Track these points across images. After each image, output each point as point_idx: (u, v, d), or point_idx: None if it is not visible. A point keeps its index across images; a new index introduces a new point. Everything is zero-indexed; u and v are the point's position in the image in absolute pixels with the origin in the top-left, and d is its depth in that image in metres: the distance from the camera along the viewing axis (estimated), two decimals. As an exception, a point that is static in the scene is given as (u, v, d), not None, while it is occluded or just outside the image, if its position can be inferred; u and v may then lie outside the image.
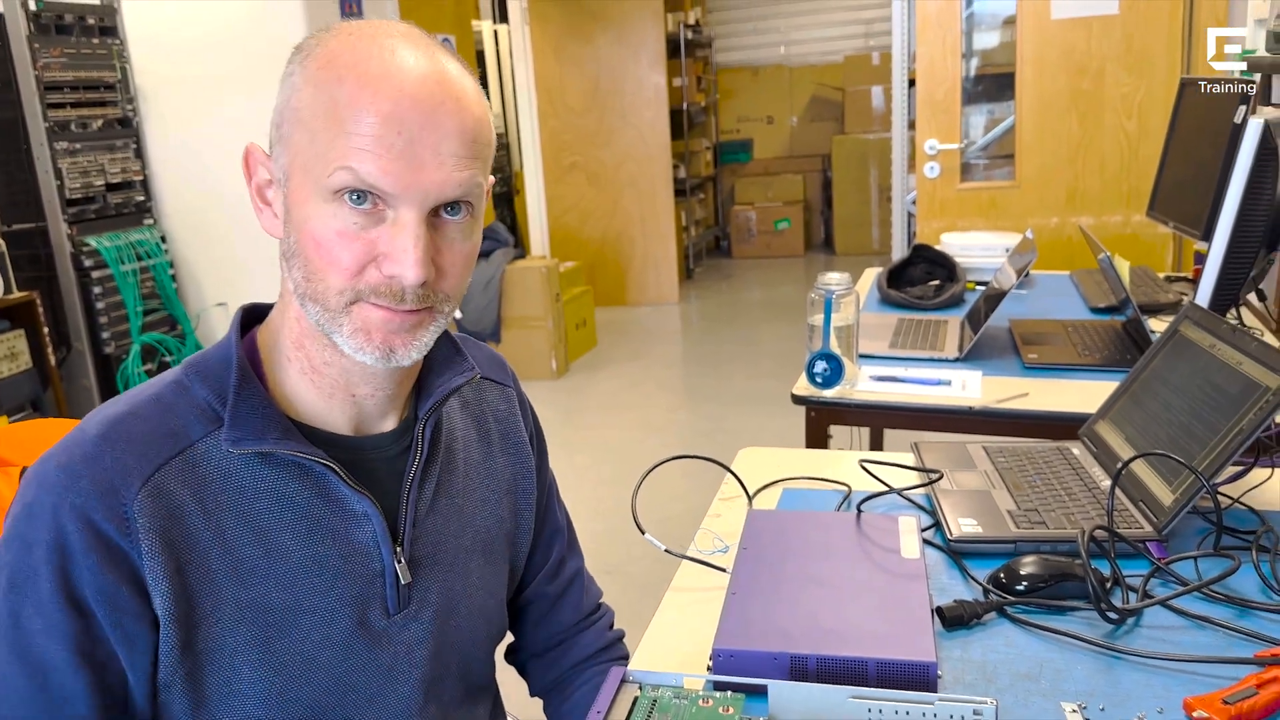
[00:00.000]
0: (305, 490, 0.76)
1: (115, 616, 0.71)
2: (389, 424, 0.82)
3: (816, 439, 1.72)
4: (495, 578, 0.91)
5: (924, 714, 0.78)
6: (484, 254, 4.60)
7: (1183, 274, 2.49)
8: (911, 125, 3.70)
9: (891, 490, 1.15)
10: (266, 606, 0.74)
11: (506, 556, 0.94)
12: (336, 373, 0.77)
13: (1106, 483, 1.21)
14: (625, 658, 1.05)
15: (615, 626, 1.06)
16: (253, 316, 0.81)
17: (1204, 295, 1.57)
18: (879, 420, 1.76)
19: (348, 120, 0.69)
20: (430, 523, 0.84)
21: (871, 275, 2.57)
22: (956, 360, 1.84)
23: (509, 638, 1.03)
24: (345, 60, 0.71)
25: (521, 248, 4.99)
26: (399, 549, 0.80)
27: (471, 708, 0.89)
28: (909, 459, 1.34)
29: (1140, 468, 1.17)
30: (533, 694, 1.05)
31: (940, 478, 1.24)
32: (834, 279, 1.67)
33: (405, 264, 0.70)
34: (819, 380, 1.67)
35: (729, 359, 5.09)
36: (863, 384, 1.73)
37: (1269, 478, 1.21)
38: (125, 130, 3.40)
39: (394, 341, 0.74)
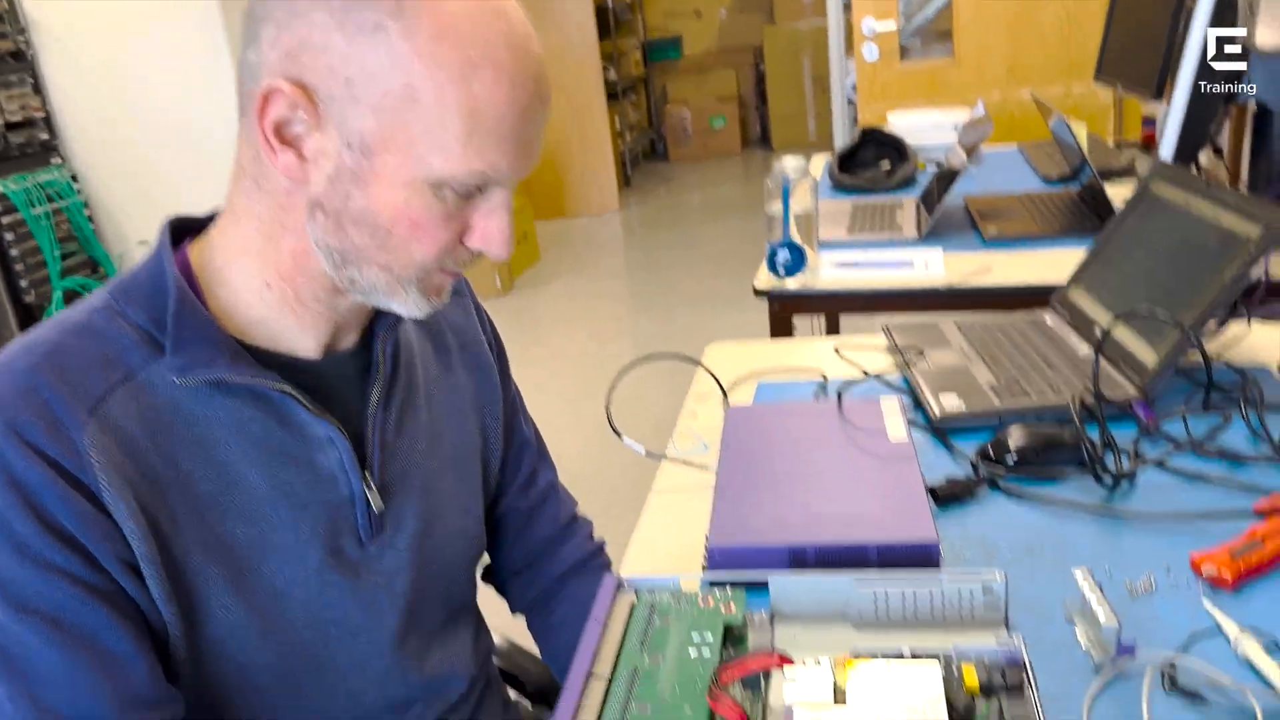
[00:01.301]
0: (263, 418, 0.69)
1: (104, 546, 0.63)
2: (349, 341, 0.76)
3: (782, 331, 1.68)
4: (470, 495, 0.86)
5: (931, 594, 0.75)
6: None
7: (1130, 140, 2.47)
8: (847, 8, 3.60)
9: (870, 376, 1.11)
10: (232, 542, 0.68)
11: (479, 473, 0.88)
12: (325, 308, 0.71)
13: (1084, 349, 1.19)
14: (608, 567, 1.01)
15: (595, 537, 1.03)
16: (181, 231, 0.73)
17: (1167, 151, 1.54)
18: (845, 306, 1.73)
19: (487, 117, 0.64)
20: (399, 445, 0.79)
21: (821, 163, 2.51)
22: (916, 241, 1.81)
23: (485, 559, 0.99)
24: (470, 37, 0.63)
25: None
26: (368, 474, 0.74)
27: (454, 631, 0.85)
28: (881, 342, 1.31)
29: (1118, 331, 1.14)
30: (514, 612, 1.01)
31: (922, 354, 1.21)
32: (790, 164, 1.61)
33: (500, 244, 0.70)
34: (781, 270, 1.62)
35: (674, 263, 5.04)
36: (825, 271, 1.69)
37: (1247, 334, 1.20)
38: (19, 64, 3.18)
39: (445, 294, 0.74)
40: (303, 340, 0.72)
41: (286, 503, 0.71)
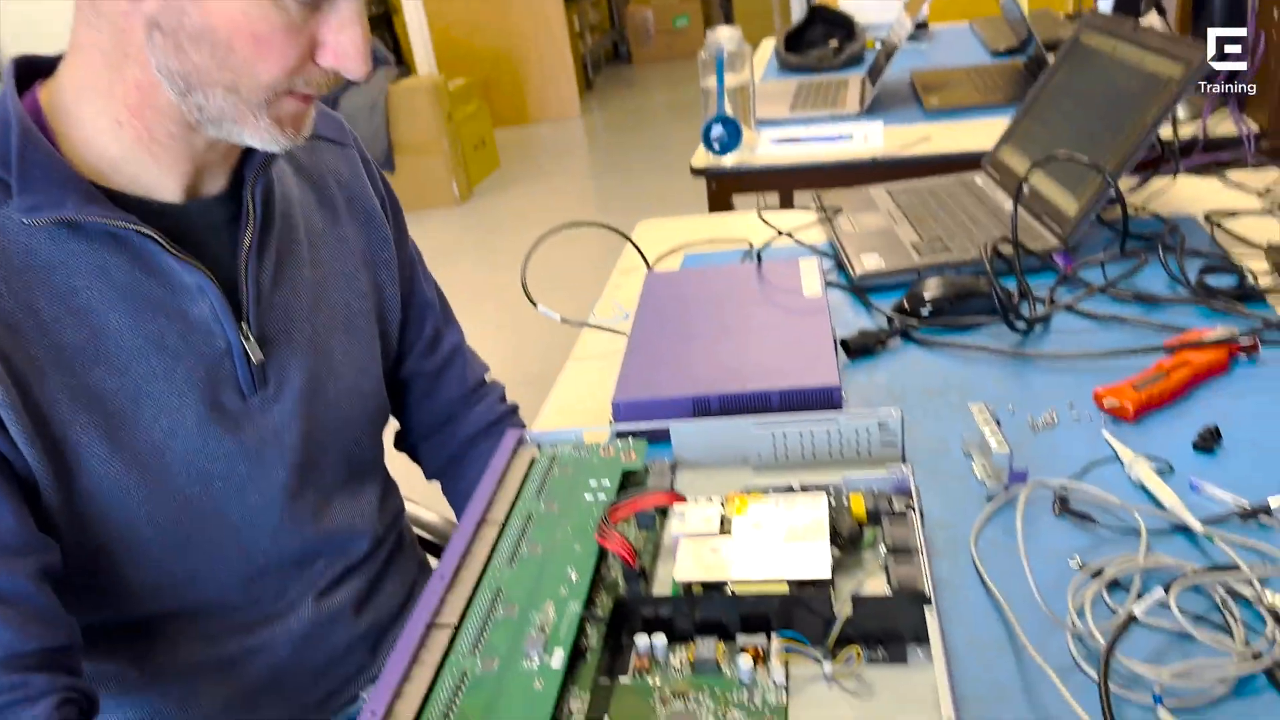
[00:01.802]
0: (124, 263, 0.66)
1: None
2: (217, 185, 0.73)
3: (721, 210, 1.65)
4: (365, 355, 0.84)
5: (829, 432, 0.75)
6: (365, 76, 4.32)
7: (1081, 11, 2.42)
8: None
9: (783, 234, 1.09)
10: (101, 393, 0.66)
11: (374, 332, 0.86)
12: (181, 146, 0.68)
13: (1010, 205, 1.17)
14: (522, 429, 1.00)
15: (508, 400, 1.01)
16: (32, 73, 0.69)
17: (1106, 3, 1.50)
18: (782, 183, 1.70)
19: None
20: (278, 298, 0.76)
21: (769, 44, 2.44)
22: (858, 115, 1.77)
23: (396, 424, 0.97)
24: None
25: (405, 66, 4.67)
26: (244, 325, 0.72)
27: (357, 490, 0.83)
28: (813, 215, 1.28)
29: (1044, 184, 1.12)
30: (428, 478, 1.00)
31: (839, 212, 1.19)
32: (724, 34, 1.56)
33: (355, 60, 0.66)
34: (716, 146, 1.59)
35: (639, 168, 4.95)
36: (762, 148, 1.65)
37: (1171, 184, 1.18)
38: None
39: (302, 125, 0.70)
40: (164, 182, 0.69)
41: (158, 353, 0.68)
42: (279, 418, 0.74)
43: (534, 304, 1.03)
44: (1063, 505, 0.68)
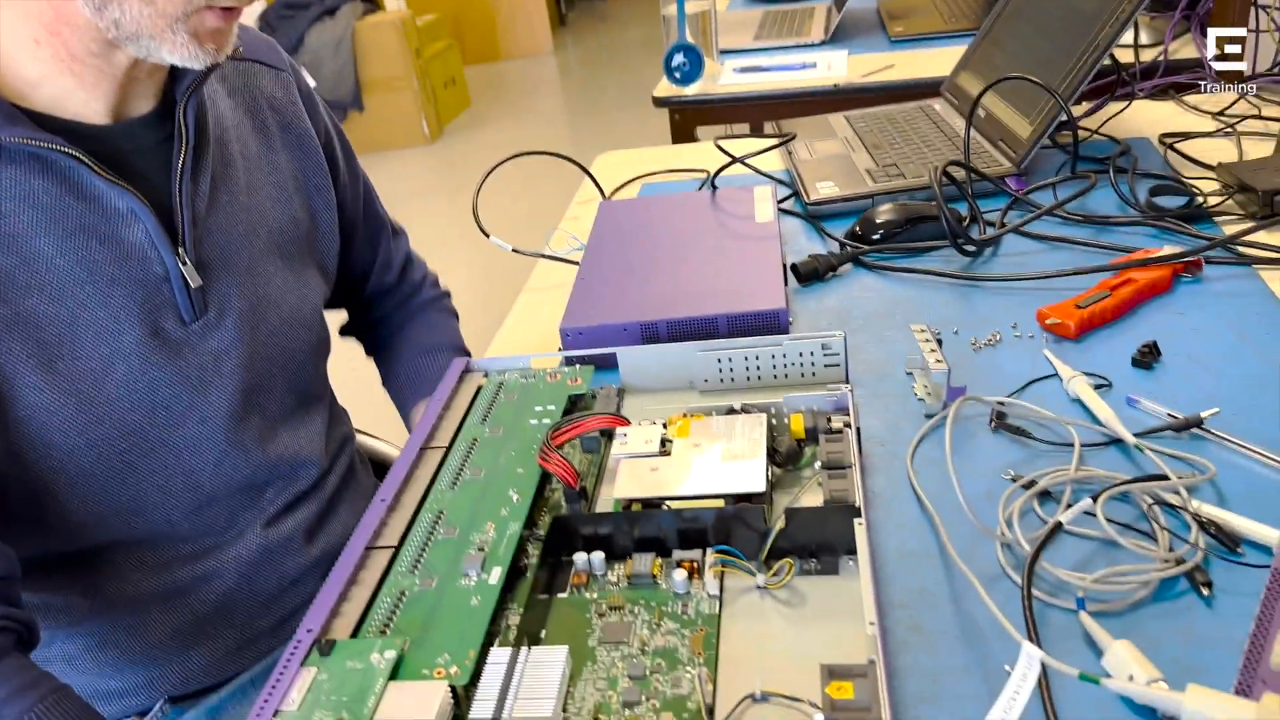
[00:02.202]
0: (51, 187, 0.65)
1: None
2: (146, 105, 0.71)
3: (684, 142, 1.64)
4: (304, 283, 0.83)
5: (773, 355, 0.75)
6: (329, 10, 4.23)
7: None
8: None
9: (736, 160, 1.08)
10: (37, 321, 0.65)
11: (311, 260, 0.85)
12: (103, 64, 0.66)
13: (968, 131, 1.16)
14: (454, 314, 1.06)
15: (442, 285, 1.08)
16: None
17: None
18: (746, 114, 1.68)
19: None
20: (214, 222, 0.75)
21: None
22: (822, 43, 1.75)
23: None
24: None
25: (373, 1, 4.57)
26: (181, 250, 0.71)
27: (303, 418, 0.83)
28: (772, 141, 1.27)
29: (999, 107, 1.12)
30: (368, 354, 1.05)
31: (793, 138, 1.18)
32: (684, -40, 1.53)
33: None
34: (678, 75, 1.57)
35: (612, 105, 4.89)
36: (725, 78, 1.64)
37: (1125, 108, 1.18)
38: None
39: (222, 41, 0.68)
40: (89, 104, 0.67)
41: (93, 279, 0.67)
42: (220, 343, 0.74)
43: (485, 234, 1.03)
44: (999, 420, 0.68)
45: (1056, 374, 0.73)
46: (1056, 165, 1.06)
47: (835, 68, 1.60)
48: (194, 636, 0.77)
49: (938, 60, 1.56)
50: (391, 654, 0.52)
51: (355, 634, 0.55)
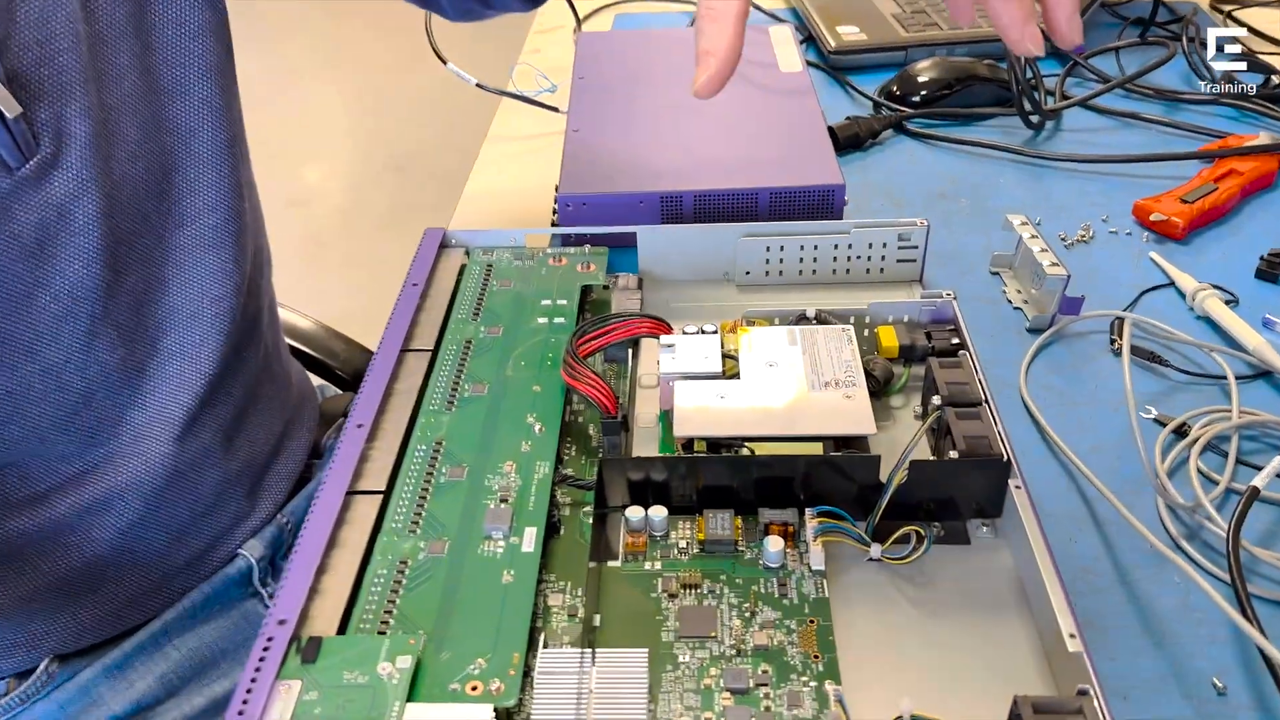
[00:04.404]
0: None
1: None
2: None
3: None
4: (189, 74, 0.59)
5: (835, 246, 0.61)
6: None
7: None
8: None
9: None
10: None
11: (203, 27, 0.59)
12: None
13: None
14: None
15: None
16: None
17: None
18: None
19: None
20: (23, 12, 0.50)
21: None
22: None
23: None
24: None
25: None
26: None
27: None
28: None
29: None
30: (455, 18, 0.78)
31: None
32: None
33: None
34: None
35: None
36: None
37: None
38: None
39: None
40: None
41: None
42: (62, 188, 0.52)
43: (443, 61, 0.83)
44: (1126, 343, 0.56)
45: (1170, 283, 0.61)
46: (1108, 28, 0.92)
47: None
48: (84, 583, 0.59)
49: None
50: (406, 662, 0.37)
51: (344, 628, 0.40)
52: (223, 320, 0.63)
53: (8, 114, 0.48)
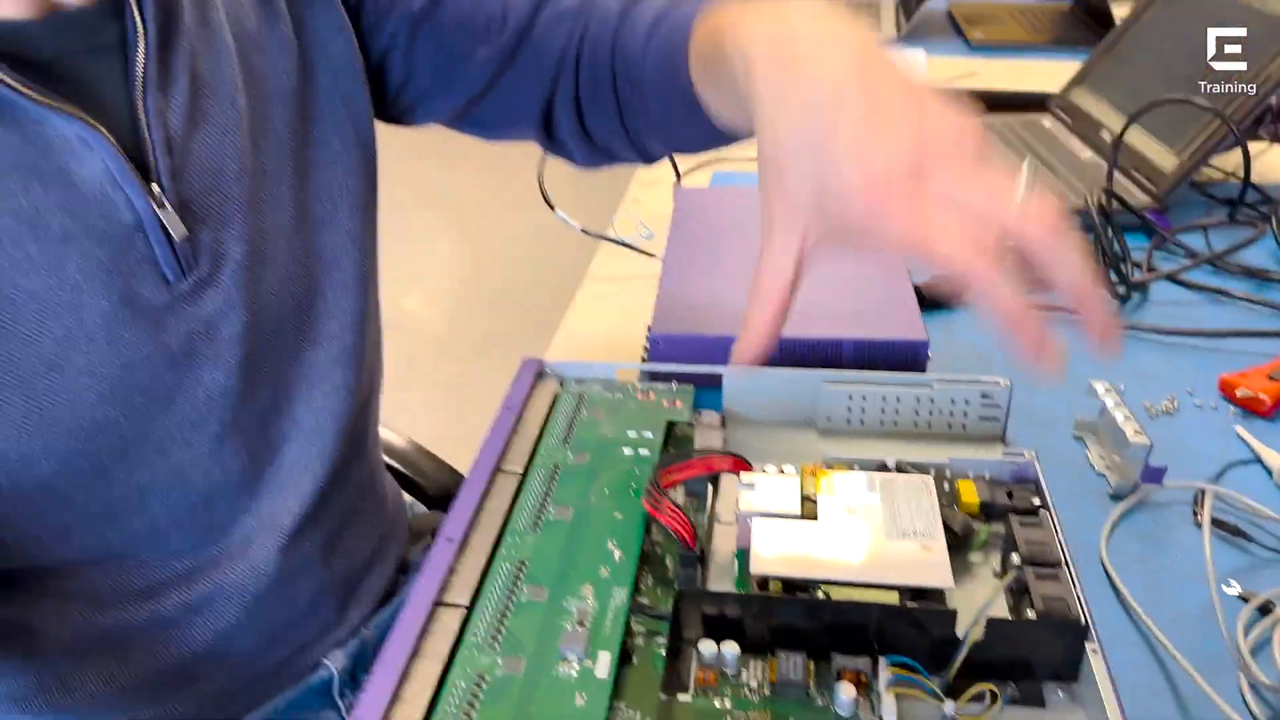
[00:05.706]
0: None
1: None
2: None
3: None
4: (333, 205, 0.64)
5: (918, 399, 0.62)
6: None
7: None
8: None
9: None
10: None
11: (351, 167, 0.65)
12: None
13: (1088, 154, 1.04)
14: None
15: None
16: None
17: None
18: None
19: None
20: (197, 141, 0.55)
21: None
22: (894, 42, 1.62)
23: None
24: None
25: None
26: (155, 187, 0.53)
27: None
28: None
29: (1132, 133, 0.99)
30: (600, 143, 0.74)
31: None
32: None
33: None
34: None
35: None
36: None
37: (1267, 150, 1.06)
38: None
39: None
40: None
41: (35, 236, 0.49)
42: (212, 305, 0.56)
43: (551, 207, 0.88)
44: (1208, 515, 0.56)
45: (1256, 459, 0.61)
46: (1194, 205, 0.94)
47: (915, 68, 1.47)
48: (178, 679, 0.61)
49: (1024, 73, 1.44)
50: (478, 775, 0.38)
51: (422, 733, 0.41)
52: (339, 436, 0.66)
53: (175, 236, 0.53)
